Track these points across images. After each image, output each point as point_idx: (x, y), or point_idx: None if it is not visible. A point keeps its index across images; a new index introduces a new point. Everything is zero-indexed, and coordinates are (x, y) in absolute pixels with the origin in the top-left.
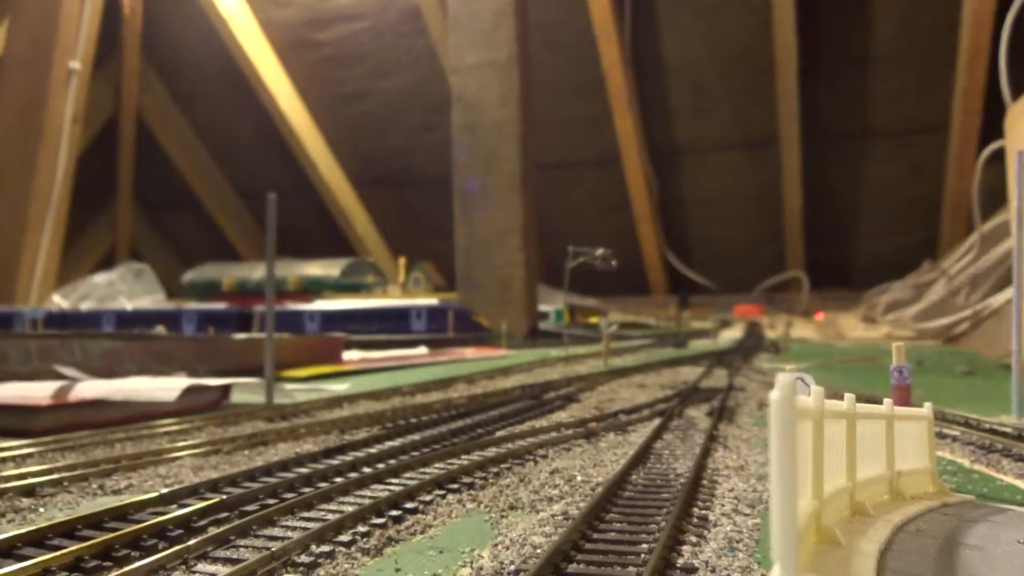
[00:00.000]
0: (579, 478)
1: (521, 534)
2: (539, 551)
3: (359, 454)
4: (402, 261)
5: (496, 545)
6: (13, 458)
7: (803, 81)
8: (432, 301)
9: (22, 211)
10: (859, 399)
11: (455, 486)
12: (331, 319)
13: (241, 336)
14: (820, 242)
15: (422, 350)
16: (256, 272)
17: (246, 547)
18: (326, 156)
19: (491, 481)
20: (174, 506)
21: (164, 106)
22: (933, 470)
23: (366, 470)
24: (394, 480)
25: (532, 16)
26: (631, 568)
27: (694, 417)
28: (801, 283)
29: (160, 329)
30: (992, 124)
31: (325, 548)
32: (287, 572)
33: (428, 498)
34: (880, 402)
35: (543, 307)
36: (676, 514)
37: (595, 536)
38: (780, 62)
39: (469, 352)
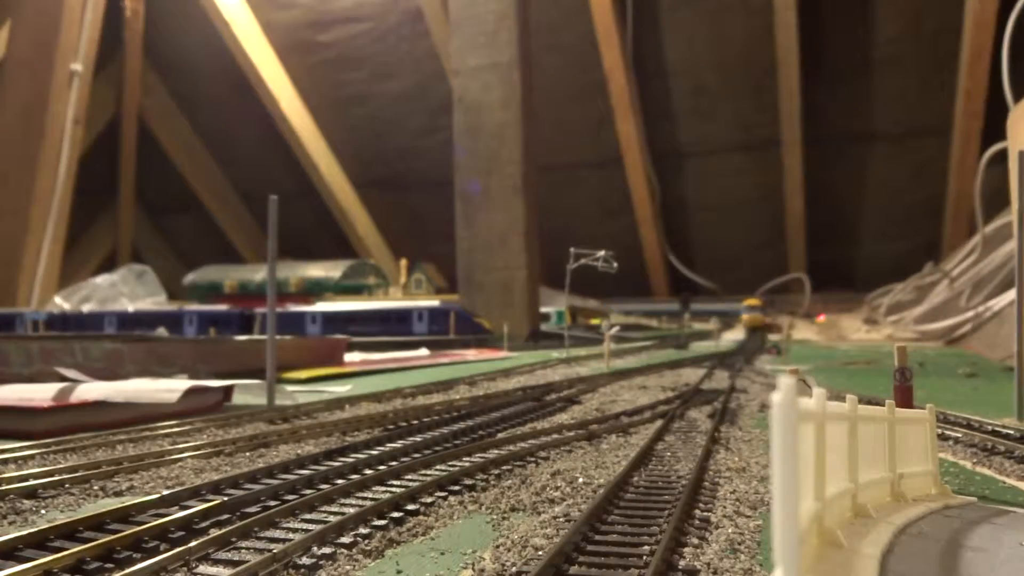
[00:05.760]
0: (581, 480)
1: (523, 536)
2: (540, 553)
3: (360, 456)
4: (403, 263)
5: (498, 547)
6: (15, 460)
7: (805, 83)
8: (433, 303)
9: (24, 213)
10: (861, 401)
11: (456, 488)
12: (332, 321)
13: (242, 338)
14: (822, 244)
15: (423, 352)
16: (258, 274)
17: (248, 549)
18: (328, 158)
19: (492, 483)
20: (176, 508)
21: (166, 108)
22: (935, 472)
23: (367, 472)
24: (395, 482)
25: (534, 18)
26: (633, 570)
27: (696, 419)
28: (803, 285)
29: (161, 331)
30: (994, 126)
31: (327, 550)
32: (288, 574)
33: (429, 500)
34: (882, 404)
35: (545, 309)
36: (678, 516)
37: (597, 538)
38: (782, 64)
39: (470, 354)
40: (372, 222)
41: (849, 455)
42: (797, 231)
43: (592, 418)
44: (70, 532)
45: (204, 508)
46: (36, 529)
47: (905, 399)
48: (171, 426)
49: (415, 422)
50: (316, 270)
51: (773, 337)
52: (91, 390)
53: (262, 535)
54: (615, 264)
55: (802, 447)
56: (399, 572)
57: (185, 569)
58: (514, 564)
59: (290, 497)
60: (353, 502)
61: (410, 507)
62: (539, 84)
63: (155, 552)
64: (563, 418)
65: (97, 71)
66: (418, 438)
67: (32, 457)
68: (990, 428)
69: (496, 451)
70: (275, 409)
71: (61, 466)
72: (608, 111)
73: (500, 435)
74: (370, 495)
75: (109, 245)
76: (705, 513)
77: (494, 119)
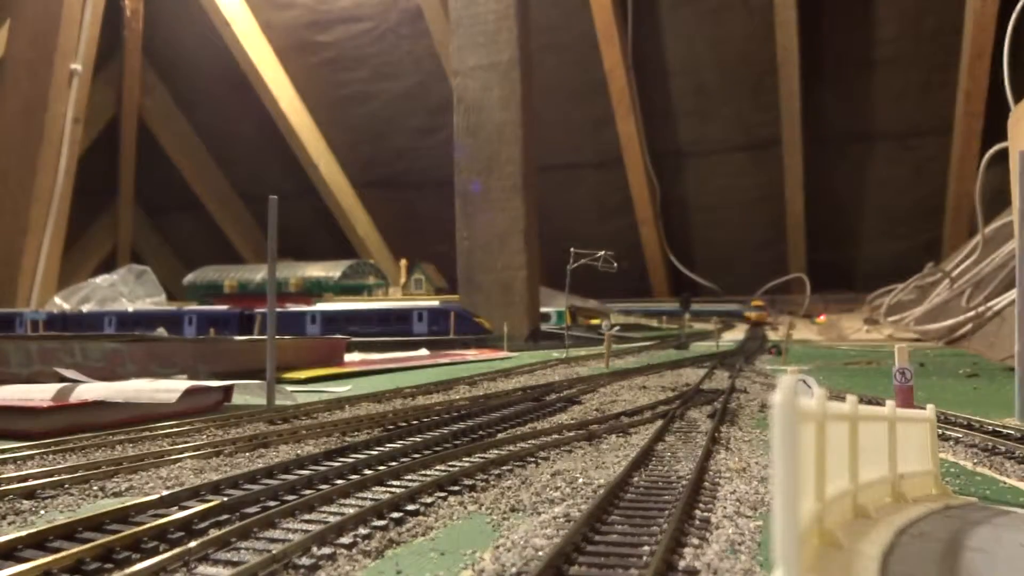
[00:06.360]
0: (581, 480)
1: (523, 536)
2: (541, 553)
3: (360, 456)
4: (403, 263)
5: (497, 547)
6: (14, 460)
7: (805, 83)
8: (433, 303)
9: (23, 213)
10: (861, 401)
11: (456, 488)
12: (332, 321)
13: (242, 338)
14: (822, 244)
15: (423, 352)
16: (257, 274)
17: (247, 549)
18: (327, 158)
19: (492, 483)
20: (175, 508)
21: (165, 108)
22: (936, 472)
23: (367, 472)
24: (395, 482)
25: (534, 18)
26: (633, 570)
27: (696, 419)
28: (803, 285)
29: (161, 331)
30: (995, 126)
31: (326, 550)
32: (288, 574)
33: (429, 500)
34: (883, 404)
35: (545, 309)
36: (678, 516)
37: (597, 538)
38: (782, 64)
39: (470, 354)
40: (372, 222)
41: (849, 455)
42: (797, 231)
43: (592, 418)
44: (69, 532)
45: (203, 508)
46: (35, 529)
47: (906, 399)
48: (171, 426)
49: (415, 422)
50: (316, 270)
51: (772, 335)
52: (91, 390)
53: (261, 535)
54: (615, 264)
55: (802, 447)
56: (399, 572)
57: (184, 569)
58: (514, 564)
59: (290, 497)
60: (353, 502)
61: (410, 507)
62: (539, 84)
63: (154, 552)
64: (563, 418)
65: (97, 71)
66: (418, 438)
67: (31, 457)
68: (991, 428)
69: (496, 451)
70: (275, 409)
71: (60, 466)
72: (608, 111)
73: (500, 435)
74: (370, 495)
75: (109, 245)
76: (705, 513)
77: (494, 119)
